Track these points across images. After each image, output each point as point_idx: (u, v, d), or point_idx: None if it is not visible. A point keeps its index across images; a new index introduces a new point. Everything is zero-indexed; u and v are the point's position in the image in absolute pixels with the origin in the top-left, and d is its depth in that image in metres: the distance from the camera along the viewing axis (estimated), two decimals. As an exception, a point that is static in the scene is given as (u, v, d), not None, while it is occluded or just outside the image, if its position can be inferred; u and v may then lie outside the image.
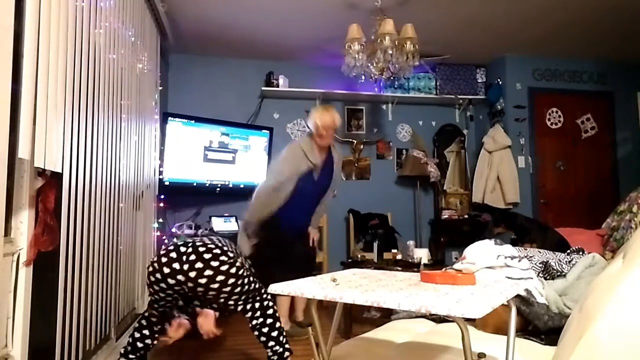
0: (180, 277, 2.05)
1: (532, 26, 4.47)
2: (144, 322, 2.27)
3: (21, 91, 1.57)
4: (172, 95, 5.09)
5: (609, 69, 5.42)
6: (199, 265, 2.06)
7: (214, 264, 2.08)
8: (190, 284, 2.05)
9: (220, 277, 2.06)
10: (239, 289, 2.13)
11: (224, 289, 2.09)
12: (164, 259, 2.09)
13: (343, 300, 1.32)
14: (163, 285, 2.08)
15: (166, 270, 2.06)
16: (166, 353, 3.05)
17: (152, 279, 2.10)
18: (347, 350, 1.85)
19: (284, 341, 2.32)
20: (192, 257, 2.08)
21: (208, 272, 2.05)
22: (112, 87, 2.67)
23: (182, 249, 2.12)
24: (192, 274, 2.05)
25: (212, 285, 2.06)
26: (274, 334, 2.29)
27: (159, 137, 4.19)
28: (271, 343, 2.29)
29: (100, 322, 2.53)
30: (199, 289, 2.07)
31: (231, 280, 2.09)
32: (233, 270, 2.10)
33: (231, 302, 2.18)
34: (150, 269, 2.10)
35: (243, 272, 2.16)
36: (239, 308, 2.24)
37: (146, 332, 2.25)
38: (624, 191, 4.46)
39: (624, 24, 4.39)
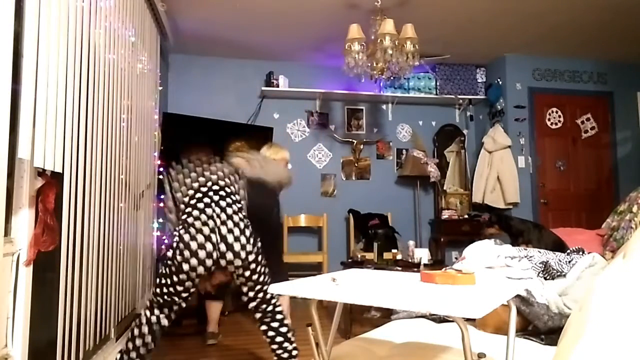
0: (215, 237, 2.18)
1: (532, 26, 4.47)
2: (145, 329, 2.22)
3: (21, 91, 1.57)
4: (172, 95, 5.09)
5: (609, 69, 5.42)
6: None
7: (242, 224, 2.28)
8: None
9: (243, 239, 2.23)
10: (260, 257, 2.29)
11: (250, 256, 2.23)
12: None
13: (343, 300, 1.32)
14: (203, 253, 2.16)
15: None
16: (166, 353, 3.05)
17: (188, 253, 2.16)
18: (347, 350, 1.85)
19: (292, 339, 2.33)
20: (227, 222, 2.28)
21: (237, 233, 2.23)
22: (112, 87, 2.67)
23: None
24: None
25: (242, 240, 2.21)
26: (283, 329, 2.32)
27: (159, 136, 4.19)
28: (279, 339, 2.31)
29: (100, 322, 2.53)
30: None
31: (249, 247, 2.23)
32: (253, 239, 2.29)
33: (247, 273, 2.26)
34: (182, 245, 2.16)
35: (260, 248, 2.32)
36: (247, 288, 2.30)
37: (149, 338, 2.22)
38: (624, 191, 4.46)
39: (624, 24, 4.39)
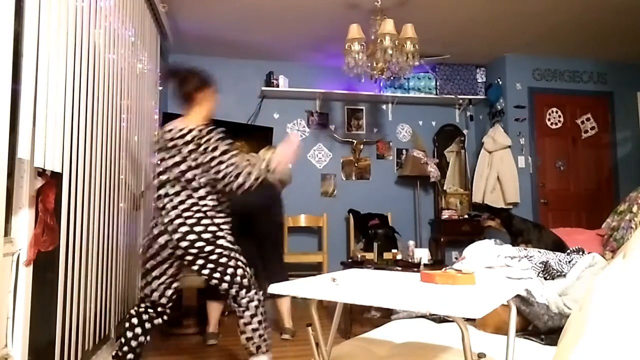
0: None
1: (532, 26, 4.47)
2: (134, 320, 2.27)
3: (21, 91, 1.57)
4: (172, 95, 5.08)
5: (609, 69, 5.42)
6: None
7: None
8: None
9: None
10: (214, 250, 2.21)
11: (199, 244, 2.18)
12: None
13: (343, 300, 1.32)
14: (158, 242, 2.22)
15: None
16: (167, 353, 3.05)
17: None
18: (347, 350, 1.85)
19: (255, 340, 2.33)
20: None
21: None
22: (112, 87, 2.67)
23: None
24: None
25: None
26: (249, 327, 2.32)
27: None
28: (248, 335, 2.32)
29: (99, 322, 2.53)
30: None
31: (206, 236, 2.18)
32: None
33: (211, 266, 2.21)
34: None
35: (227, 245, 2.24)
36: (212, 283, 2.27)
37: (139, 330, 2.25)
38: (624, 191, 4.46)
39: (624, 24, 4.39)
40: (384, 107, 5.65)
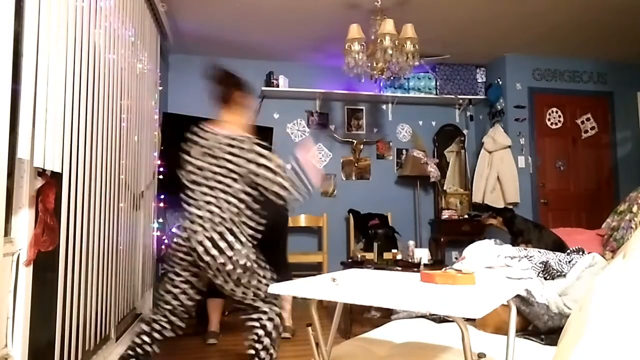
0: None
1: (532, 26, 4.47)
2: (145, 327, 2.20)
3: (21, 91, 1.57)
4: (172, 95, 5.09)
5: (609, 69, 5.42)
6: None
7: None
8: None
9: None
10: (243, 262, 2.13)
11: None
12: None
13: (343, 300, 1.32)
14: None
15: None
16: (166, 352, 3.05)
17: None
18: (347, 350, 1.85)
19: (273, 347, 2.23)
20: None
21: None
22: (112, 87, 2.67)
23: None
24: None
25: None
26: (254, 346, 2.20)
27: (159, 136, 4.19)
28: (251, 351, 2.21)
29: (100, 322, 2.53)
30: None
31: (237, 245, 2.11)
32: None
33: (224, 275, 2.12)
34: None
35: (249, 253, 2.16)
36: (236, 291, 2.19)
37: (146, 338, 2.18)
38: (624, 191, 4.46)
39: (624, 24, 4.39)
40: (384, 107, 5.65)
